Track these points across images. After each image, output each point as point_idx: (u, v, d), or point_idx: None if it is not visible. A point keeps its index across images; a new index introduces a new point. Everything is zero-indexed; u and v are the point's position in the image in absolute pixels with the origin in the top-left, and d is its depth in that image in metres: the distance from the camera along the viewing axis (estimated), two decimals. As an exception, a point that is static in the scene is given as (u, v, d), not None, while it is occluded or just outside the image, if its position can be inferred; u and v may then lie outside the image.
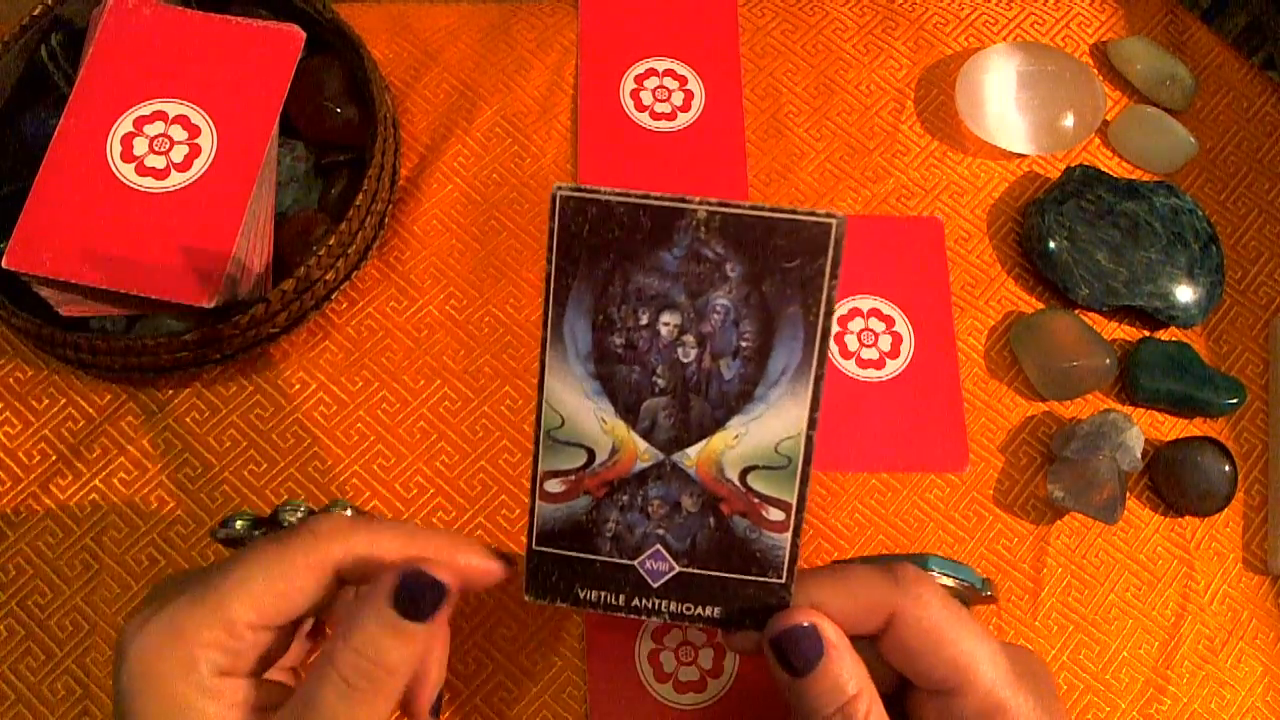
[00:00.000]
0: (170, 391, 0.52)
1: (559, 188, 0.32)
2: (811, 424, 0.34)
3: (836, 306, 0.55)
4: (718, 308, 0.33)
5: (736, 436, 0.34)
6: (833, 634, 0.33)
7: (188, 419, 0.52)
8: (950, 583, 0.43)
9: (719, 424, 0.34)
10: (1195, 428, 0.55)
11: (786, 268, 0.33)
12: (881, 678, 0.34)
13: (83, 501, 0.50)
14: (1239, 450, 0.55)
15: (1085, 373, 0.53)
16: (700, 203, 0.32)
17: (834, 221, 0.32)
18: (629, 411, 0.34)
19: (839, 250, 0.32)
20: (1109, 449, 0.51)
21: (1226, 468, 0.52)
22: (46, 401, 0.52)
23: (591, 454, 0.35)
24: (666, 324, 0.33)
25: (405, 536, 0.34)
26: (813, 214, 0.32)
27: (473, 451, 0.52)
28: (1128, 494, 0.53)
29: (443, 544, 0.34)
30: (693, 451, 0.35)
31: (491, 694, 0.48)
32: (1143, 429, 0.54)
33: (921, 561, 0.43)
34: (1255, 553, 0.53)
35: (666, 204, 0.32)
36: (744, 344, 0.34)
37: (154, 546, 0.49)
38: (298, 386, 0.53)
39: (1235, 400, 0.54)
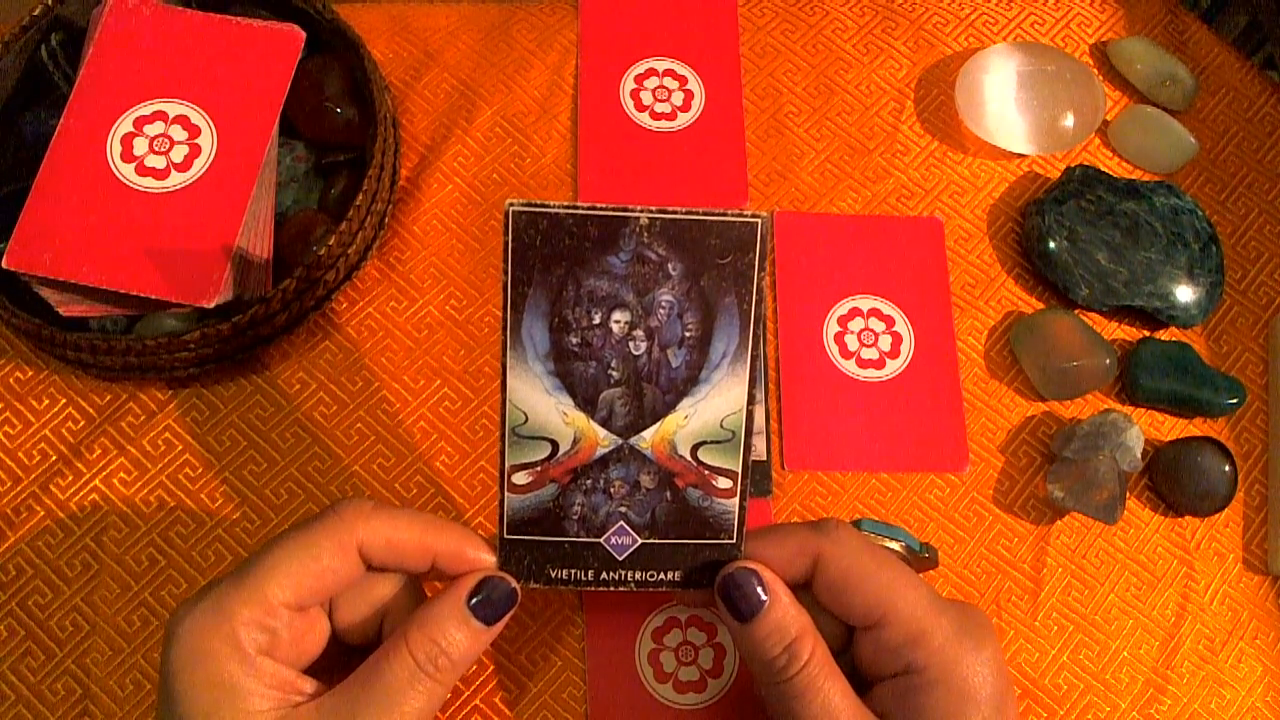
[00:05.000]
0: (170, 391, 0.52)
1: (511, 204, 0.35)
2: (750, 399, 0.37)
3: (838, 307, 0.56)
4: (663, 303, 0.36)
5: (686, 417, 0.37)
6: (771, 579, 0.37)
7: (188, 419, 0.52)
8: (895, 546, 0.45)
9: (670, 407, 0.37)
10: (1195, 428, 0.55)
11: (721, 263, 0.36)
12: (830, 635, 0.38)
13: (83, 501, 0.50)
14: (1239, 450, 0.55)
15: (1085, 373, 0.53)
16: (642, 211, 0.35)
17: (759, 220, 0.36)
18: (587, 403, 0.37)
19: (765, 245, 0.36)
20: (1109, 449, 0.51)
21: (1226, 468, 0.52)
22: (46, 401, 0.52)
23: (555, 445, 0.37)
24: (618, 321, 0.36)
25: (421, 525, 0.37)
26: (741, 215, 0.36)
27: (473, 451, 0.52)
28: (1128, 494, 0.53)
29: (454, 536, 0.37)
30: (648, 434, 0.37)
31: (491, 694, 0.48)
32: (1143, 429, 0.54)
33: (854, 524, 0.45)
34: (1255, 553, 0.53)
35: (612, 214, 0.35)
36: (688, 334, 0.37)
37: (154, 546, 0.49)
38: (298, 386, 0.53)
39: (1235, 400, 0.54)
